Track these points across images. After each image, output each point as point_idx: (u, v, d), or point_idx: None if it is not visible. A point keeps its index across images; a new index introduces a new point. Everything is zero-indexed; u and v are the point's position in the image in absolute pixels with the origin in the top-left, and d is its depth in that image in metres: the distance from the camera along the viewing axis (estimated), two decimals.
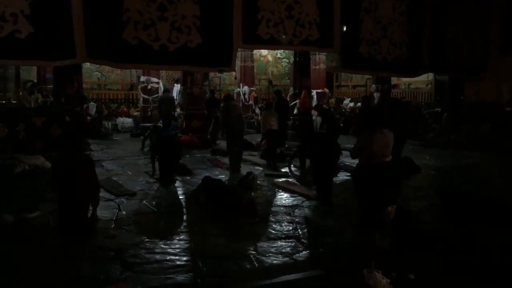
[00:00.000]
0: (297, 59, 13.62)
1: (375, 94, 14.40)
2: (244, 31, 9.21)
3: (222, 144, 12.29)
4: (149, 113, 14.77)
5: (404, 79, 17.21)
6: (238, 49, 10.08)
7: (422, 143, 12.49)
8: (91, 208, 5.21)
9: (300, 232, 5.27)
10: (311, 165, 7.52)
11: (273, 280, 3.28)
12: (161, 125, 9.58)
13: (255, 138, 12.45)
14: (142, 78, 14.92)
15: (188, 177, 8.30)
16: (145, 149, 11.15)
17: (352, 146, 10.91)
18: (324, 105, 15.44)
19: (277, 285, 3.20)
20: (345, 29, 10.27)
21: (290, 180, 8.13)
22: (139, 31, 8.41)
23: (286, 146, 11.77)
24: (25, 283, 3.83)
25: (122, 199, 6.62)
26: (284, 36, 9.71)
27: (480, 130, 12.41)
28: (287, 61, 21.01)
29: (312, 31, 10.00)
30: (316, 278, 3.37)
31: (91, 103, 16.04)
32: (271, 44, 9.89)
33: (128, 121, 16.38)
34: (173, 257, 4.45)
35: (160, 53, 8.61)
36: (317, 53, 16.74)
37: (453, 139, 12.32)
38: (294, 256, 4.46)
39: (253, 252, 4.61)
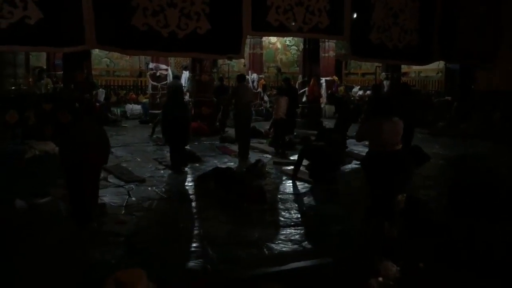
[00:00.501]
0: (307, 46, 13.53)
1: (384, 82, 14.29)
2: (254, 18, 9.15)
3: (231, 131, 12.31)
4: (158, 100, 14.77)
5: (414, 67, 17.03)
6: (247, 36, 10.06)
7: (431, 132, 12.41)
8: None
9: (309, 220, 5.27)
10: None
11: (282, 267, 3.29)
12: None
13: (264, 126, 12.43)
14: (151, 65, 14.89)
15: (197, 164, 8.33)
16: (155, 136, 11.18)
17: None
18: (337, 94, 15.42)
19: (286, 272, 3.21)
20: (355, 15, 10.18)
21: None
22: (148, 17, 8.38)
23: (295, 134, 11.74)
24: (36, 268, 3.87)
25: (132, 185, 6.66)
26: (293, 23, 9.65)
27: (491, 119, 12.29)
28: (296, 48, 20.88)
29: (322, 18, 9.91)
30: (326, 266, 3.37)
31: (100, 89, 16.08)
32: (281, 31, 9.82)
33: (137, 108, 16.42)
34: (182, 244, 4.49)
35: (169, 40, 8.59)
36: (326, 40, 16.61)
37: (463, 128, 12.21)
38: (303, 244, 4.48)
39: (262, 239, 4.63)
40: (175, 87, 13.23)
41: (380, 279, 3.07)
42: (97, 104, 13.88)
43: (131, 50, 9.00)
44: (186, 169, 7.88)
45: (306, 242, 4.53)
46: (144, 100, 16.35)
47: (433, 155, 9.20)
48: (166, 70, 15.01)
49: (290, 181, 7.15)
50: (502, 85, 13.17)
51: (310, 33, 10.13)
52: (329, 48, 17.68)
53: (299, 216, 5.41)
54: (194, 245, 4.46)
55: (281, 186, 6.87)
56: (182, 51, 9.08)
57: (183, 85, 15.52)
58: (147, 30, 8.48)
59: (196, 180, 7.03)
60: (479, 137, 11.42)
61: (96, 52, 16.65)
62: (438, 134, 12.11)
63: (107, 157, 5.33)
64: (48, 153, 8.67)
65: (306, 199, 6.14)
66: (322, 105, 15.33)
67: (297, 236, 4.71)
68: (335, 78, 18.22)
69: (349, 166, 8.50)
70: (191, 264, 4.00)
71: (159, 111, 13.41)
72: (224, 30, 9.01)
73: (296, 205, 5.85)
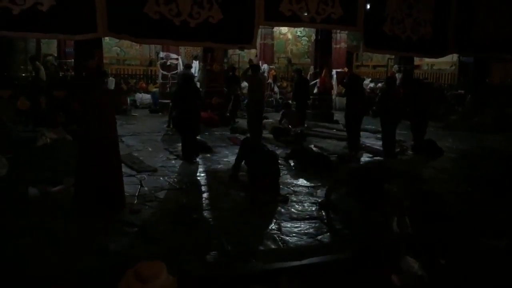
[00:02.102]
0: (319, 37, 13.38)
1: (397, 75, 14.12)
2: (266, 8, 9.00)
3: (242, 122, 12.24)
4: (168, 89, 14.72)
5: (427, 60, 16.83)
6: (259, 26, 9.95)
7: (444, 126, 12.26)
8: None
9: (323, 213, 5.21)
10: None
11: (302, 262, 3.23)
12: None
13: (274, 117, 12.34)
14: (162, 54, 14.82)
15: (208, 155, 8.28)
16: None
17: (372, 127, 10.77)
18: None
19: (306, 267, 3.16)
20: (369, 6, 10.03)
21: None
22: (160, 6, 8.27)
23: (306, 125, 11.65)
24: (49, 257, 3.84)
25: (144, 175, 6.63)
26: (306, 14, 9.53)
27: (504, 113, 12.12)
28: (307, 39, 20.71)
29: (335, 8, 9.72)
30: (345, 261, 3.31)
31: (110, 78, 16.00)
32: (293, 21, 9.65)
33: (146, 97, 16.37)
34: (196, 235, 4.44)
35: (181, 29, 8.48)
36: (338, 31, 16.42)
37: (476, 121, 12.05)
38: (319, 238, 4.42)
39: (277, 232, 4.58)
40: (186, 77, 13.26)
41: (402, 276, 3.00)
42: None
43: (143, 39, 8.88)
44: (198, 159, 7.83)
45: (321, 236, 4.48)
46: (154, 90, 16.29)
47: (447, 149, 9.09)
48: (177, 59, 14.93)
49: (303, 173, 7.07)
50: None
51: (323, 23, 9.94)
52: (341, 39, 17.50)
53: (313, 209, 5.34)
54: (208, 236, 4.41)
55: (294, 179, 6.78)
56: (194, 40, 8.94)
57: (194, 74, 15.47)
58: (159, 18, 8.38)
59: (208, 171, 6.97)
60: (492, 131, 11.26)
61: (106, 40, 16.60)
62: (451, 127, 11.96)
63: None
64: (59, 141, 8.67)
65: (319, 192, 6.05)
66: (333, 97, 15.16)
67: (311, 230, 4.66)
68: (346, 70, 18.04)
69: (362, 159, 8.39)
70: (206, 255, 3.95)
71: (169, 101, 13.42)
72: (237, 19, 8.89)
73: (310, 198, 5.78)
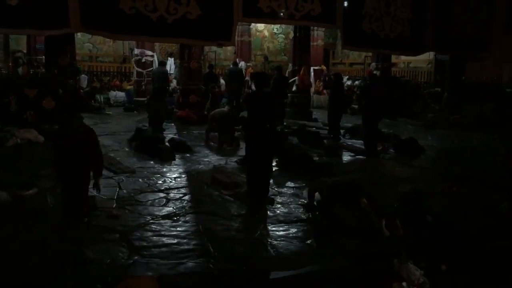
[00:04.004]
0: (297, 34, 13.24)
1: (375, 72, 14.11)
2: (245, 4, 8.86)
3: None
4: (143, 87, 14.39)
5: (404, 58, 16.91)
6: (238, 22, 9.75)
7: (423, 124, 12.31)
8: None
9: (311, 215, 5.04)
10: None
11: (299, 271, 3.06)
12: (145, 127, 9.27)
13: None
14: (136, 51, 14.46)
15: (188, 155, 8.04)
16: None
17: (351, 125, 10.78)
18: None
19: (303, 276, 2.98)
20: (348, 4, 9.97)
21: None
22: (136, 1, 8.03)
23: (285, 124, 11.49)
24: (25, 267, 3.56)
25: (122, 177, 6.35)
26: (285, 10, 9.38)
27: (481, 111, 12.26)
28: (284, 36, 20.58)
29: (314, 5, 9.67)
30: (344, 269, 3.15)
31: (83, 75, 15.53)
32: (272, 18, 9.54)
33: (120, 95, 15.94)
34: (181, 240, 4.21)
35: (158, 25, 8.25)
36: (315, 29, 16.30)
37: (454, 119, 12.15)
38: (309, 242, 4.25)
39: (265, 236, 4.40)
40: (160, 75, 13.01)
41: (404, 284, 2.86)
42: (81, 91, 13.38)
43: (118, 35, 8.65)
44: (177, 159, 7.58)
45: (311, 240, 4.30)
46: (129, 87, 15.90)
47: (427, 147, 9.07)
48: (152, 56, 14.62)
49: (288, 174, 6.90)
50: (491, 77, 13.18)
51: (302, 20, 9.88)
52: (318, 37, 17.39)
53: (299, 211, 5.18)
54: (193, 242, 4.18)
55: (278, 179, 6.59)
56: (172, 36, 8.75)
57: (170, 72, 15.16)
58: (135, 14, 8.12)
59: (189, 172, 6.75)
60: (470, 128, 11.36)
61: (78, 36, 16.07)
62: (430, 125, 12.01)
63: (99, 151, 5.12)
64: (31, 141, 8.29)
65: (305, 193, 5.89)
66: (311, 94, 15.09)
67: (300, 233, 4.48)
68: (324, 67, 17.98)
69: (345, 158, 8.30)
70: (193, 263, 3.74)
71: (144, 99, 13.10)
72: (215, 16, 8.70)
73: (296, 199, 5.61)
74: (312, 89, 15.69)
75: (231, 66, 14.20)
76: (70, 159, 4.70)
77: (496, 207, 5.16)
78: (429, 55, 14.66)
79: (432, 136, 10.54)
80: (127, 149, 8.28)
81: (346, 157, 8.43)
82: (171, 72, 15.87)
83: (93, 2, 7.71)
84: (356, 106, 15.04)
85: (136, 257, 3.79)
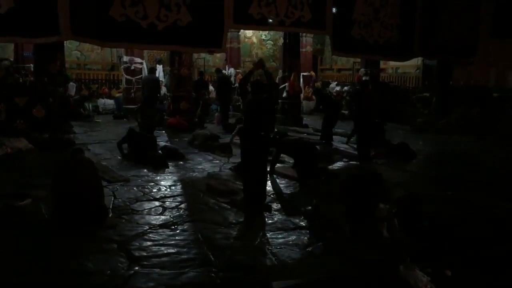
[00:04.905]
0: (287, 40, 13.28)
1: (363, 78, 14.21)
2: (236, 10, 8.89)
3: (210, 127, 12.01)
4: (133, 94, 14.30)
5: (392, 63, 17.06)
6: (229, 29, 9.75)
7: (413, 128, 12.41)
8: None
9: (309, 223, 5.02)
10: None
11: (303, 279, 3.04)
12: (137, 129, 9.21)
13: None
14: (125, 58, 14.37)
15: (181, 162, 7.99)
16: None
17: (342, 131, 10.83)
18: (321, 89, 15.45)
19: (308, 285, 2.96)
20: (337, 10, 10.05)
21: (286, 165, 7.83)
22: (126, 8, 8.01)
23: (276, 130, 11.48)
24: (23, 280, 3.50)
25: (116, 185, 6.28)
26: (275, 17, 9.42)
27: (469, 115, 12.39)
28: (272, 43, 20.65)
29: (304, 12, 9.75)
30: (350, 277, 3.13)
31: (71, 83, 15.37)
32: (263, 24, 9.59)
33: (109, 102, 15.83)
34: (181, 249, 4.17)
35: (149, 32, 8.23)
36: (304, 35, 16.39)
37: (443, 124, 12.26)
38: (310, 249, 4.23)
39: (265, 243, 4.38)
40: (150, 82, 12.94)
41: None
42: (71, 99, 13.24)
43: (109, 42, 8.61)
44: (171, 167, 7.53)
45: (312, 247, 4.29)
46: (117, 95, 15.79)
47: (419, 152, 9.12)
48: (141, 63, 14.54)
49: (280, 180, 6.90)
50: (478, 81, 13.35)
51: (292, 27, 9.96)
52: (307, 43, 17.52)
53: (297, 217, 5.16)
54: (193, 251, 4.14)
55: (272, 186, 6.58)
56: (162, 44, 8.73)
57: (159, 79, 15.09)
58: (125, 21, 8.09)
59: (183, 180, 6.70)
60: (459, 133, 11.47)
61: (66, 44, 15.94)
62: (420, 130, 12.10)
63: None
64: (21, 150, 8.16)
65: (301, 200, 5.89)
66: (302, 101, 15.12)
67: (300, 241, 4.47)
68: (313, 73, 18.10)
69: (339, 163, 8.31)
70: (194, 272, 3.70)
71: (134, 106, 13.01)
72: (206, 23, 8.70)
73: (293, 206, 5.60)
74: (302, 95, 15.73)
75: (219, 73, 14.07)
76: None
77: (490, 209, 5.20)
78: (417, 61, 14.81)
79: (422, 141, 10.62)
80: (119, 158, 8.20)
81: (340, 162, 8.44)
82: (161, 79, 15.82)
83: (83, 10, 7.67)
84: (345, 112, 15.14)
85: (136, 268, 3.75)
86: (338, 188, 4.60)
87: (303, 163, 7.01)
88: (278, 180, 6.90)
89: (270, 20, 9.37)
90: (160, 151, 8.25)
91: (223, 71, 16.03)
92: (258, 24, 9.50)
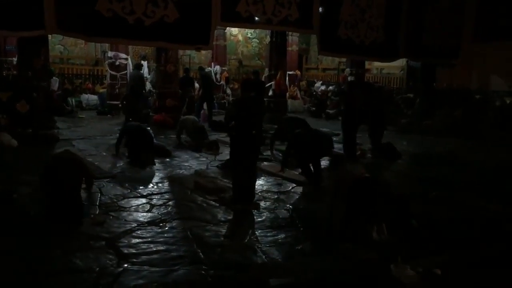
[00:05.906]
0: (274, 39, 13.29)
1: (349, 78, 14.31)
2: (223, 8, 8.87)
3: None
4: (117, 90, 14.14)
5: (377, 64, 17.21)
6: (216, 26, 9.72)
7: (397, 129, 12.53)
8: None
9: (297, 221, 5.05)
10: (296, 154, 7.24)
11: (296, 278, 3.05)
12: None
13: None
14: (110, 54, 14.20)
15: (167, 159, 7.94)
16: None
17: (327, 130, 10.80)
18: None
19: (301, 284, 2.97)
20: (324, 10, 10.11)
21: (275, 164, 7.83)
22: (113, 3, 7.93)
23: (262, 128, 11.47)
24: (11, 279, 3.44)
25: (102, 182, 6.21)
26: (263, 15, 9.44)
27: (452, 116, 12.57)
28: (258, 41, 20.62)
29: (291, 11, 9.79)
30: (340, 275, 3.16)
31: (54, 78, 15.14)
32: (250, 22, 9.59)
33: (93, 98, 15.61)
34: (170, 247, 4.15)
35: (136, 28, 8.16)
36: (290, 34, 16.40)
37: (427, 125, 12.42)
38: (299, 247, 4.24)
39: (254, 241, 4.39)
40: (136, 78, 12.82)
41: None
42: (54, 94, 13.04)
43: (95, 37, 8.51)
44: (157, 164, 7.48)
45: (301, 245, 4.30)
46: (101, 90, 15.59)
47: (403, 152, 9.22)
48: (126, 59, 14.38)
49: (269, 178, 6.91)
50: (461, 83, 13.56)
51: (279, 25, 9.98)
52: (293, 42, 17.52)
53: (286, 216, 5.18)
54: (183, 248, 4.13)
55: (260, 184, 6.59)
56: (149, 39, 8.67)
57: (144, 75, 14.96)
58: (112, 16, 8.01)
59: (170, 177, 6.65)
60: (442, 134, 11.63)
61: (49, 38, 15.69)
62: (405, 131, 12.23)
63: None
64: (4, 145, 8.01)
65: (290, 198, 5.92)
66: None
67: (289, 239, 4.48)
68: (298, 72, 18.15)
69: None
70: (184, 270, 3.68)
71: (118, 102, 12.90)
72: (193, 19, 8.66)
73: (281, 205, 5.62)
74: (287, 94, 15.77)
75: (201, 71, 13.94)
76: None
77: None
78: (402, 62, 14.97)
79: (407, 141, 10.73)
80: (104, 153, 8.11)
81: (325, 162, 8.47)
82: (146, 75, 15.68)
83: (69, 4, 7.56)
84: (331, 111, 15.24)
85: (125, 265, 3.72)
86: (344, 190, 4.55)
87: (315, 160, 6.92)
88: (265, 178, 6.90)
89: (257, 18, 9.38)
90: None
91: (209, 68, 15.98)
92: (245, 22, 9.50)
